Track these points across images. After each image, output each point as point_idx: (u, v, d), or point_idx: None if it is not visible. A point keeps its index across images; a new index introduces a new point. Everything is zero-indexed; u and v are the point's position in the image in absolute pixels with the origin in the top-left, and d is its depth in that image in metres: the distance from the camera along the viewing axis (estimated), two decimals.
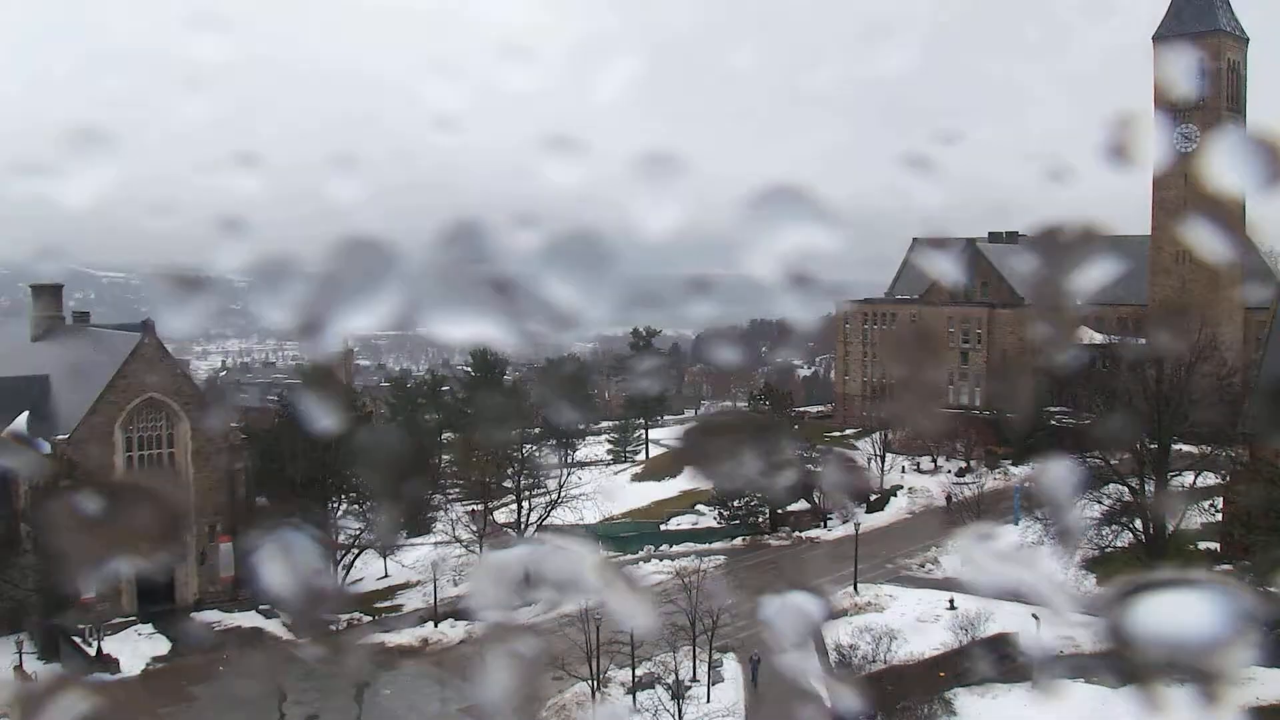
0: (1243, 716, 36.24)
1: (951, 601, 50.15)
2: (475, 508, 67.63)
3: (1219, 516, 50.78)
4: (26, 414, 56.21)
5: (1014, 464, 77.32)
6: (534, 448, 72.73)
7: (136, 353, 59.21)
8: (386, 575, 67.09)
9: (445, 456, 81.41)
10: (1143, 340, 69.33)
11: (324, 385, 72.71)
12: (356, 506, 63.90)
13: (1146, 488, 49.50)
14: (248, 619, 56.82)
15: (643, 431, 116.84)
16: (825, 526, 72.71)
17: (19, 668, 47.26)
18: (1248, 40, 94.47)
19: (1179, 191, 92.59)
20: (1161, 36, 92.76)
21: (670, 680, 42.53)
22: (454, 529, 63.36)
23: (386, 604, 62.74)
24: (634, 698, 43.49)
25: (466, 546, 62.18)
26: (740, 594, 54.03)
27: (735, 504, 73.56)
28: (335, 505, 63.36)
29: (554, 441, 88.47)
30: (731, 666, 46.32)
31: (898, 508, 75.72)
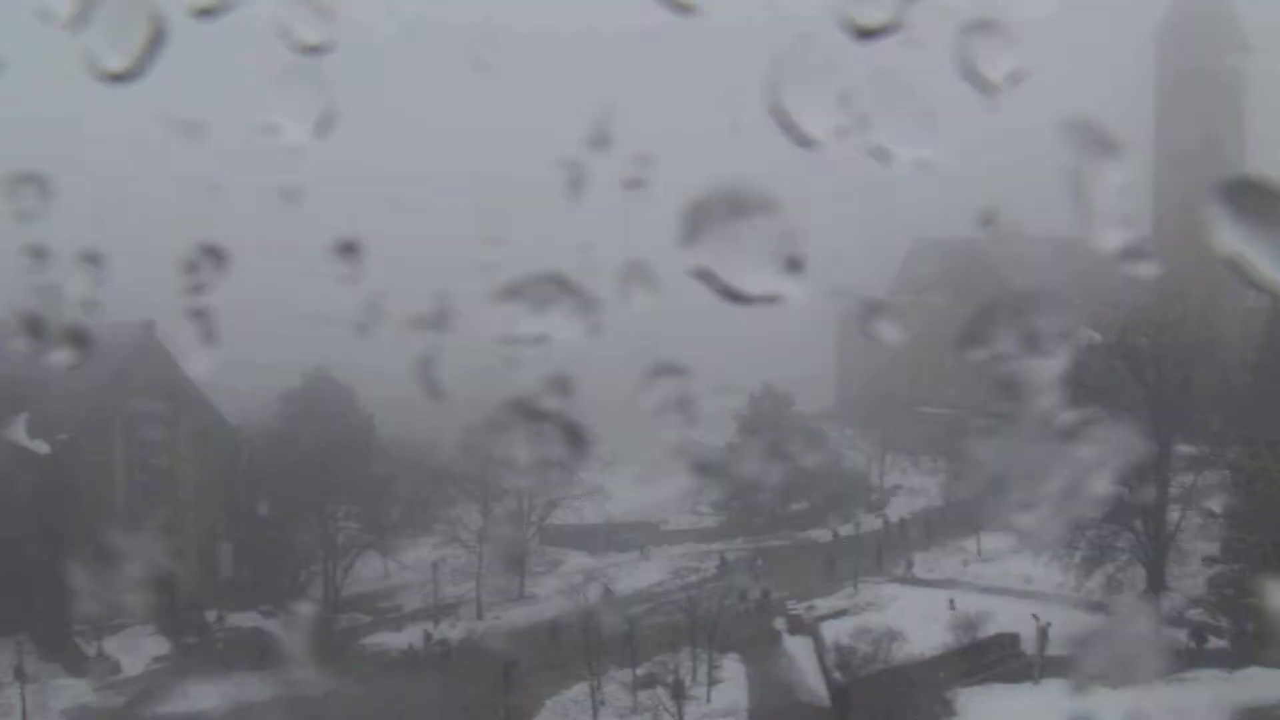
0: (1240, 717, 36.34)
1: (951, 601, 50.18)
2: None
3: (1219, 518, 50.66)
4: (26, 414, 56.10)
5: None
6: None
7: (137, 352, 59.01)
8: (387, 575, 67.03)
9: None
10: (1143, 340, 69.11)
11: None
12: (356, 508, 63.53)
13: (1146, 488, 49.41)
14: (246, 619, 56.81)
15: None
16: (825, 526, 72.51)
17: (20, 668, 47.08)
18: (1248, 41, 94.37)
19: (1178, 192, 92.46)
20: (1161, 37, 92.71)
21: (670, 680, 42.54)
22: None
23: (386, 604, 62.75)
24: (634, 697, 43.55)
25: (467, 547, 62.10)
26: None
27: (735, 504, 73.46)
28: (335, 508, 63.05)
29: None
30: (731, 666, 46.33)
31: (898, 507, 75.61)
